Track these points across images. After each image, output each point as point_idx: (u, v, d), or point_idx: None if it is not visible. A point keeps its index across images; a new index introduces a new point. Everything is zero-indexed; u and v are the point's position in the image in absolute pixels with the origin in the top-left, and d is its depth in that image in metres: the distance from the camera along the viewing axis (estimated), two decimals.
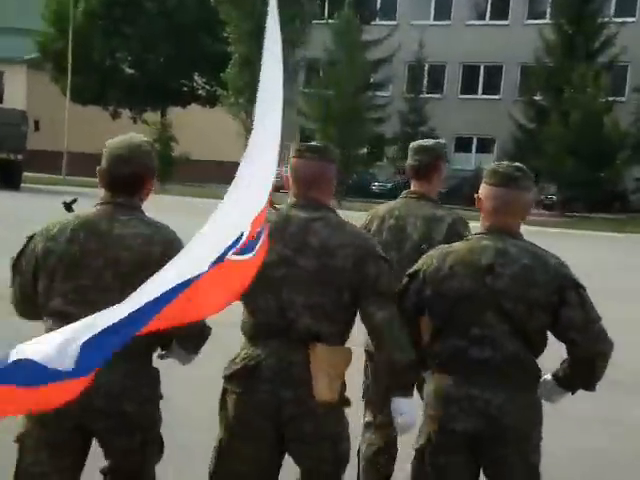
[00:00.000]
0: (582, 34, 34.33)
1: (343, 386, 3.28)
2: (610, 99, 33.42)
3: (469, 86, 41.70)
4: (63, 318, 2.92)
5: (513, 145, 34.46)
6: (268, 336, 3.21)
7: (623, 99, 36.75)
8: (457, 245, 3.30)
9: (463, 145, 41.04)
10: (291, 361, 3.18)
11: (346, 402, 3.31)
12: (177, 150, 37.64)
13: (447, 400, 3.20)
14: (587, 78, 32.48)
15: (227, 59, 37.97)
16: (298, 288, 3.19)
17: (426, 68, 40.07)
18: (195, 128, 44.54)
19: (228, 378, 3.29)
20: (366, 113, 35.98)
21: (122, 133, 3.33)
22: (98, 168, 3.23)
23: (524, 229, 3.29)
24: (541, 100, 35.41)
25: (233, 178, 2.54)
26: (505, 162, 3.33)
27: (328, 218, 3.28)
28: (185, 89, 47.83)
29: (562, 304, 3.15)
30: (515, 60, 39.34)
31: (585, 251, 17.76)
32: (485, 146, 39.02)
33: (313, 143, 3.36)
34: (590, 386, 3.31)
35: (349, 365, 3.27)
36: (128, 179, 3.18)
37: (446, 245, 3.37)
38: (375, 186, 38.04)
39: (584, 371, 3.26)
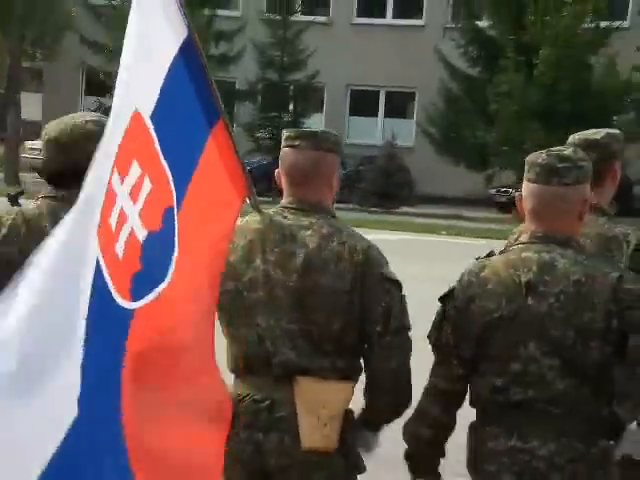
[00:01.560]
0: None
1: (347, 433, 3.28)
2: (602, 25, 26.79)
3: (372, 4, 34.26)
4: None
5: (444, 104, 28.88)
6: (247, 371, 3.34)
7: (625, 24, 29.17)
8: (495, 258, 3.44)
9: (363, 104, 34.22)
10: (273, 401, 3.29)
11: (351, 460, 3.31)
12: None
13: (485, 456, 3.27)
14: None
15: None
16: (277, 312, 3.30)
17: None
18: None
19: None
20: (203, 45, 27.51)
21: None
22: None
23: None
24: (489, 28, 28.95)
25: None
26: (555, 148, 3.33)
27: (322, 225, 3.34)
28: None
29: (627, 331, 3.18)
30: None
31: None
32: (399, 106, 33.45)
33: (307, 128, 3.54)
34: None
35: (347, 405, 3.32)
36: (68, 170, 3.37)
37: (485, 258, 3.52)
38: None
39: None
